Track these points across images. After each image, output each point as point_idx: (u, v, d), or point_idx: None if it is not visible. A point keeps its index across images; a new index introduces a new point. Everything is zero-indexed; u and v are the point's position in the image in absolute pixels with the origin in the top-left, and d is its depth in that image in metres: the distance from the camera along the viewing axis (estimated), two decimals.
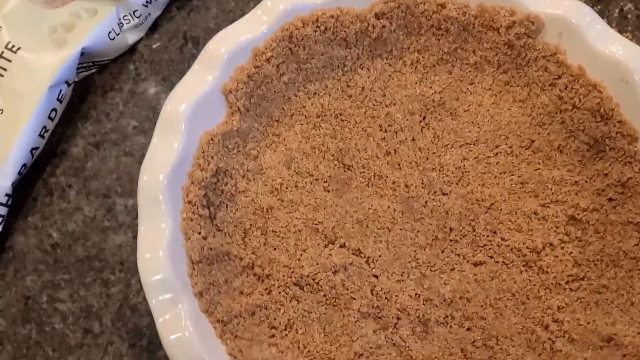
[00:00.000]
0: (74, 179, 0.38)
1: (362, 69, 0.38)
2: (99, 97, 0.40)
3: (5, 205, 0.35)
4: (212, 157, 0.33)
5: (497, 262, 0.34)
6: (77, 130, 0.39)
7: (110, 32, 0.39)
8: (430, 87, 0.38)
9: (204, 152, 0.33)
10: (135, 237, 0.36)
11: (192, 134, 0.33)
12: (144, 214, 0.30)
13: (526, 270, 0.34)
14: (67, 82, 0.37)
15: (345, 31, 0.36)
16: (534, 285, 0.34)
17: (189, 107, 0.32)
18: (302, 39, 0.35)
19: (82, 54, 0.37)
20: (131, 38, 0.41)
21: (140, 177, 0.31)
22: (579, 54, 0.34)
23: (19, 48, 0.36)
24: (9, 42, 0.36)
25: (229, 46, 0.34)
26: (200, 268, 0.31)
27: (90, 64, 0.39)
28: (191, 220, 0.32)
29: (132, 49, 0.41)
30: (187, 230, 0.31)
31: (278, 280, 0.33)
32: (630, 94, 0.33)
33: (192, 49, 0.41)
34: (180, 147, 0.32)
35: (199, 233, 0.32)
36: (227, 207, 0.34)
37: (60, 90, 0.37)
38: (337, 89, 0.38)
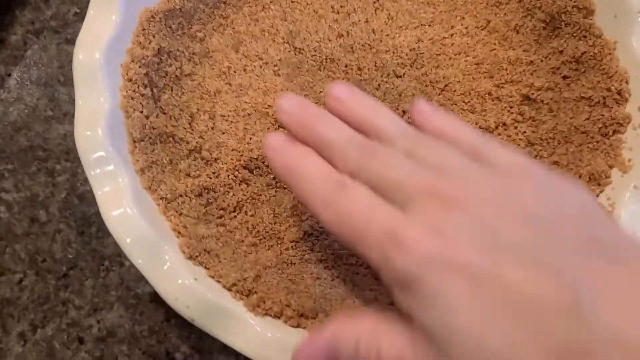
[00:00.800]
0: (13, 68, 0.36)
1: None
2: None
3: None
4: (153, 36, 0.32)
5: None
6: (15, 18, 0.37)
7: None
8: None
9: (144, 29, 0.31)
10: None
11: (131, 10, 0.31)
12: (80, 91, 0.29)
13: None
14: None
15: None
16: None
17: None
18: None
19: None
20: None
21: (75, 53, 0.30)
22: None
23: None
24: None
25: None
26: (142, 146, 0.30)
27: None
28: (132, 98, 0.30)
29: None
30: (128, 108, 0.30)
31: (227, 163, 0.33)
32: None
33: None
34: (117, 22, 0.30)
35: (141, 112, 0.31)
36: (172, 89, 0.33)
37: None
38: None
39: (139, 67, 0.31)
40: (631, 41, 0.31)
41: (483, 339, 0.18)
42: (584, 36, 0.32)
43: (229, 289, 0.28)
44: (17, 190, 0.34)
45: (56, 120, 0.35)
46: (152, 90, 0.32)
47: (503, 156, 0.23)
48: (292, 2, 0.36)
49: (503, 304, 0.18)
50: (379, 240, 0.20)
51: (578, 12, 0.32)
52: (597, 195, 0.30)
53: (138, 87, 0.31)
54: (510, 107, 0.34)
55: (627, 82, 0.31)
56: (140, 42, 0.31)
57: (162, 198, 0.30)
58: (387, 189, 0.22)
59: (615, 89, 0.31)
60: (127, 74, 0.30)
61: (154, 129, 0.31)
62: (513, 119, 0.34)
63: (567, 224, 0.20)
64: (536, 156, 0.33)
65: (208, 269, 0.28)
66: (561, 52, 0.33)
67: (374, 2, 0.36)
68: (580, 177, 0.31)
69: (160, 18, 0.32)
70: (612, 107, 0.31)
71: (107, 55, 0.30)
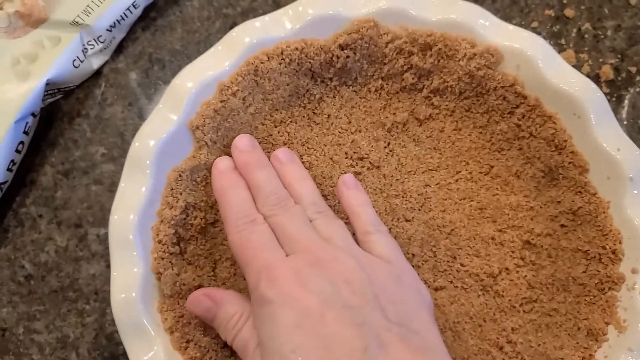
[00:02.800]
0: (44, 209, 0.38)
1: (327, 96, 0.38)
2: (65, 124, 0.40)
3: None
4: (180, 194, 0.34)
5: (457, 286, 0.36)
6: (45, 159, 0.39)
7: (74, 60, 0.38)
8: (394, 114, 0.38)
9: (172, 189, 0.34)
10: (108, 266, 0.37)
11: (160, 173, 0.33)
12: (116, 259, 0.31)
13: (483, 294, 0.36)
14: (33, 114, 0.37)
15: (310, 62, 0.36)
16: (490, 308, 0.36)
17: (156, 148, 0.33)
18: (268, 71, 0.35)
19: (46, 83, 0.37)
20: (96, 63, 0.40)
21: (110, 218, 0.32)
22: (535, 86, 0.35)
23: None
24: None
25: (194, 82, 0.34)
26: (171, 302, 0.32)
27: (56, 90, 0.39)
28: (162, 259, 0.33)
29: (98, 72, 0.41)
30: (159, 269, 0.32)
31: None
32: (582, 127, 0.34)
33: (158, 71, 0.41)
34: (148, 190, 0.32)
35: (172, 269, 0.33)
36: (197, 240, 0.35)
37: (27, 123, 0.37)
38: (303, 117, 0.38)
39: (168, 227, 0.33)
40: (623, 203, 0.33)
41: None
42: (580, 192, 0.35)
43: None
44: (49, 331, 0.36)
45: (85, 260, 0.37)
46: (179, 246, 0.34)
47: (379, 250, 0.31)
48: (308, 148, 0.38)
49: (317, 338, 0.25)
50: (258, 268, 0.28)
51: (574, 169, 0.35)
52: (595, 352, 0.33)
53: (168, 247, 0.33)
54: (512, 252, 0.37)
55: (620, 242, 0.33)
56: (169, 202, 0.33)
57: (191, 358, 0.32)
58: (283, 238, 0.30)
59: (610, 248, 0.33)
60: (157, 236, 0.33)
61: (184, 285, 0.33)
62: (515, 264, 0.36)
63: (392, 304, 0.27)
64: (536, 300, 0.36)
65: None
66: (559, 202, 0.36)
67: (385, 147, 0.38)
68: (578, 329, 0.34)
69: (186, 175, 0.34)
70: (607, 265, 0.33)
71: (139, 223, 0.32)
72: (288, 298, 0.26)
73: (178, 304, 0.33)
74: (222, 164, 0.33)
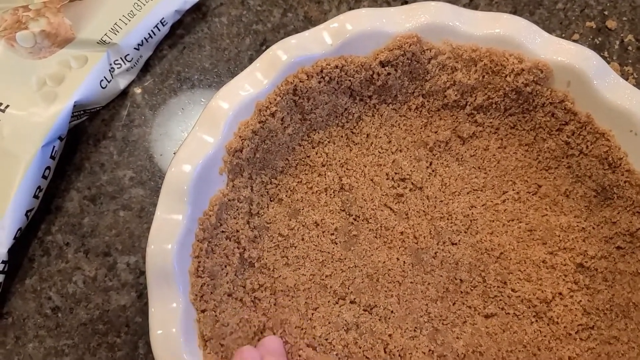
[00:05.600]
0: (71, 237, 0.36)
1: (366, 115, 0.37)
2: (91, 147, 0.38)
3: (1, 272, 0.34)
4: (215, 228, 0.32)
5: (508, 313, 0.34)
6: (71, 184, 0.37)
7: (102, 80, 0.37)
8: (436, 132, 0.37)
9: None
10: (139, 296, 0.36)
11: (198, 199, 0.31)
12: (154, 294, 0.29)
13: (537, 321, 0.34)
14: (60, 138, 0.36)
15: (350, 80, 0.34)
16: (545, 336, 0.34)
17: (193, 173, 0.31)
18: (307, 90, 0.34)
19: (74, 105, 0.35)
20: (123, 82, 0.39)
21: (147, 249, 0.30)
22: (587, 102, 0.34)
23: (7, 106, 0.34)
24: None
25: (231, 103, 0.32)
26: (213, 344, 0.30)
27: (82, 112, 0.37)
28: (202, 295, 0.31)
29: (124, 92, 0.39)
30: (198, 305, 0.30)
31: (290, 342, 0.33)
32: (639, 144, 0.33)
33: (186, 90, 0.39)
34: (186, 219, 0.30)
35: (212, 309, 0.31)
36: (235, 272, 0.33)
37: (54, 147, 0.35)
38: (342, 137, 0.37)
39: (205, 260, 0.31)
40: None
41: None
42: (638, 212, 0.33)
43: None
44: None
45: (115, 290, 0.36)
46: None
47: None
48: (347, 169, 0.36)
49: None
50: None
51: (631, 188, 0.33)
52: None
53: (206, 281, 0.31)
54: (565, 276, 0.35)
55: None
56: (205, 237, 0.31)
57: None
58: None
59: None
60: (196, 271, 0.31)
61: (224, 326, 0.31)
62: (569, 288, 0.35)
63: None
64: (593, 327, 0.34)
65: None
66: (614, 222, 0.34)
67: (427, 167, 0.37)
68: None
69: (220, 211, 0.32)
70: None
71: (177, 253, 0.30)
72: None
73: (221, 345, 0.31)
74: (249, 354, 0.29)
